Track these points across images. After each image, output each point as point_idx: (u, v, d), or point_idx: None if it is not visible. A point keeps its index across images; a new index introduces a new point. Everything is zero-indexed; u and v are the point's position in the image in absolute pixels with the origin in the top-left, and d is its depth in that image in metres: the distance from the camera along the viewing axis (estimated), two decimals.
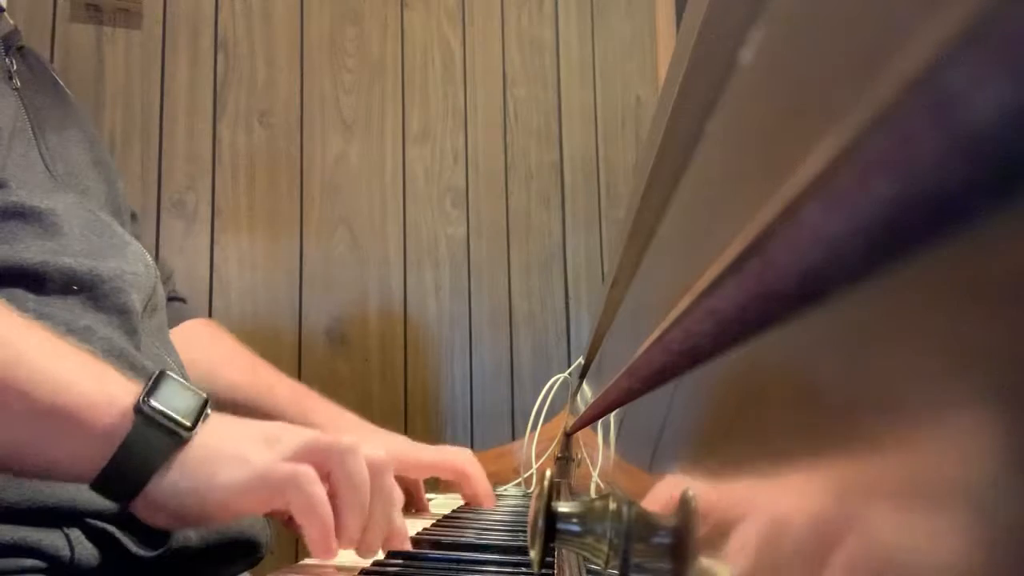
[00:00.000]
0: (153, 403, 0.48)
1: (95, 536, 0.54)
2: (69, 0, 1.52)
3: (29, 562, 0.51)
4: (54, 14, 1.51)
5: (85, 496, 0.51)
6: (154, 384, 0.49)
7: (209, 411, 0.50)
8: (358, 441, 0.52)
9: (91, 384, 0.48)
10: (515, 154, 1.73)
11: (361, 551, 0.52)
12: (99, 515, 0.54)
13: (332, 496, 0.50)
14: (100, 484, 0.47)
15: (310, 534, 0.48)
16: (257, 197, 1.58)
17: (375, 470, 0.52)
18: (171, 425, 0.48)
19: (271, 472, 0.48)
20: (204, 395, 0.51)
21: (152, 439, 0.47)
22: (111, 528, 0.54)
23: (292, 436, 0.51)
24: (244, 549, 0.64)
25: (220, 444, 0.49)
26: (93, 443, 0.46)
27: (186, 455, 0.48)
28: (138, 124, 1.54)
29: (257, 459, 0.48)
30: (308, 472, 0.48)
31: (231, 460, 0.48)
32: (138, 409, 0.47)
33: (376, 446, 0.54)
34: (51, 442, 0.46)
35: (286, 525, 0.55)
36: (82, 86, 1.49)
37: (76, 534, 0.53)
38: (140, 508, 0.48)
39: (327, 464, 0.50)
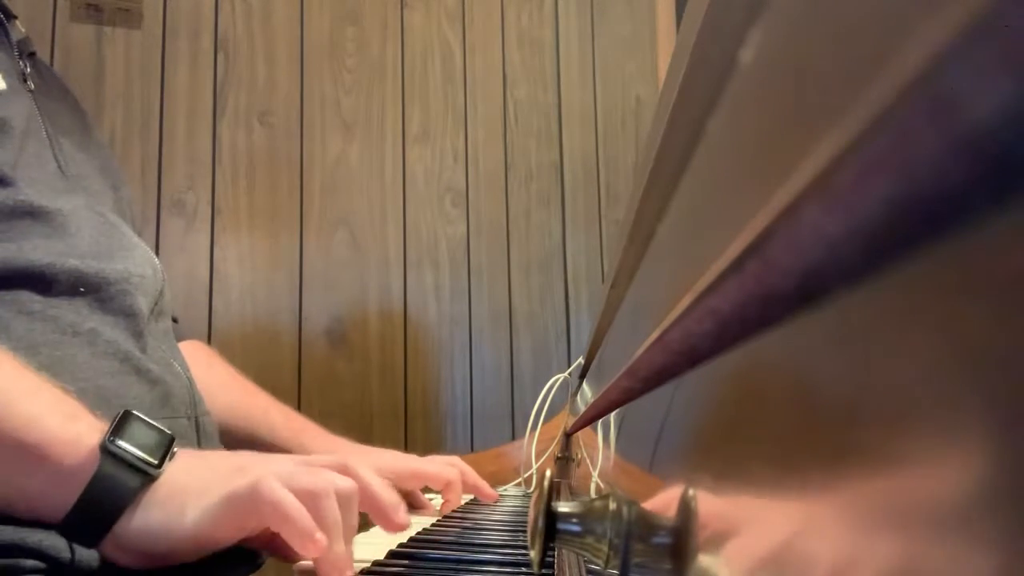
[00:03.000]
0: (120, 442, 0.47)
1: None
2: (69, 0, 1.52)
3: (30, 563, 0.51)
4: (54, 14, 1.51)
5: None
6: (120, 423, 0.48)
7: (175, 449, 0.50)
8: (328, 479, 0.50)
9: (59, 421, 0.47)
10: (515, 154, 1.73)
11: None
12: (74, 538, 0.54)
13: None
14: (69, 524, 0.46)
15: (291, 537, 0.47)
16: (257, 197, 1.58)
17: (343, 502, 0.50)
18: (138, 463, 0.47)
19: (233, 492, 0.47)
20: (170, 433, 0.50)
21: (119, 478, 0.46)
22: None
23: (262, 465, 0.50)
24: (244, 557, 0.65)
25: (187, 480, 0.48)
26: (60, 481, 0.46)
27: (154, 493, 0.47)
28: (138, 124, 1.54)
29: (219, 489, 0.47)
30: (266, 479, 0.47)
31: (198, 493, 0.48)
32: (104, 448, 0.47)
33: (365, 466, 0.55)
34: (19, 478, 0.46)
35: (273, 553, 0.54)
36: (82, 86, 1.49)
37: None
38: (110, 549, 0.47)
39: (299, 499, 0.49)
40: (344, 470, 0.53)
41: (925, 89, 0.08)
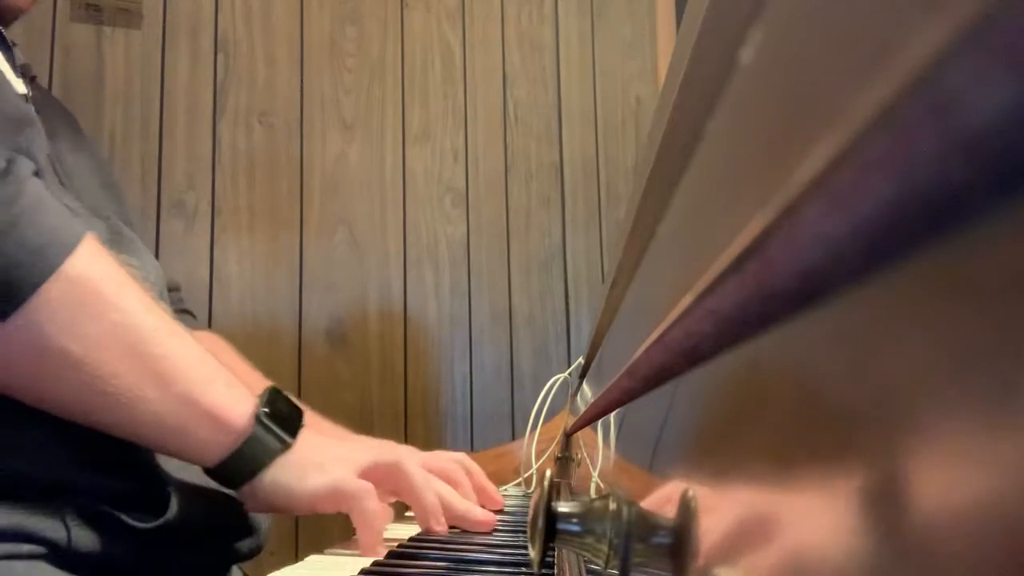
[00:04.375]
0: (270, 414, 0.60)
1: (92, 520, 0.55)
2: (69, 0, 1.52)
3: (28, 547, 0.52)
4: (54, 14, 1.51)
5: (84, 477, 0.55)
6: (269, 397, 0.61)
7: (303, 422, 0.63)
8: (405, 458, 0.67)
9: (224, 387, 0.59)
10: (515, 154, 1.73)
11: (469, 524, 0.69)
12: (95, 495, 0.55)
13: (404, 495, 0.66)
14: (219, 469, 0.59)
15: (361, 538, 0.61)
16: (257, 197, 1.58)
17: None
18: (281, 433, 0.60)
19: (344, 484, 0.61)
20: (301, 408, 0.64)
21: (267, 442, 0.59)
22: (108, 509, 0.55)
23: (362, 454, 0.65)
24: (243, 531, 0.67)
25: (310, 454, 0.62)
26: (221, 435, 0.58)
27: (286, 459, 0.60)
28: (138, 124, 1.54)
29: (335, 472, 0.61)
30: (369, 489, 0.61)
31: (317, 468, 0.61)
32: (258, 417, 0.59)
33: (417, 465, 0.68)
34: (190, 429, 0.57)
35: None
36: (82, 86, 1.49)
37: (73, 518, 0.54)
38: (246, 494, 0.60)
39: (390, 478, 0.65)
40: (397, 468, 0.66)
41: (925, 89, 0.08)
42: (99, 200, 0.76)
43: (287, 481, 0.60)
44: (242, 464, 0.59)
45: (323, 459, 0.62)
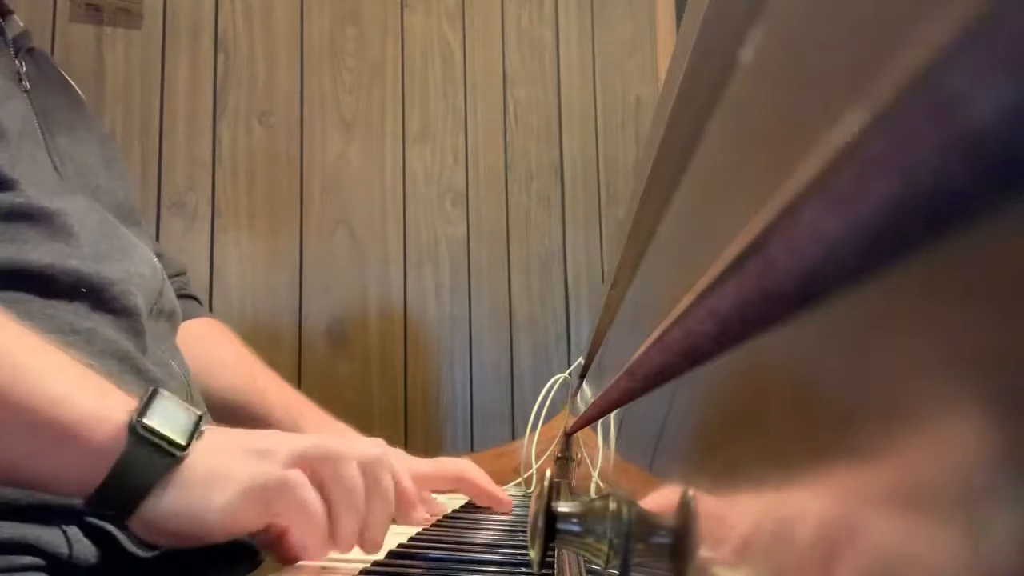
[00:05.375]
0: (146, 422, 0.46)
1: (93, 534, 0.54)
2: (69, 0, 1.52)
3: (27, 559, 0.51)
4: (54, 14, 1.51)
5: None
6: (148, 402, 0.48)
7: (203, 427, 0.49)
8: (348, 445, 0.52)
9: (89, 398, 0.47)
10: (515, 154, 1.73)
11: (366, 549, 0.52)
12: (98, 514, 0.54)
13: (327, 501, 0.50)
14: (96, 501, 0.46)
15: (301, 537, 0.49)
16: (257, 197, 1.58)
17: (369, 469, 0.51)
18: (164, 445, 0.47)
19: (259, 483, 0.48)
20: (198, 412, 0.50)
21: (146, 458, 0.46)
22: (110, 527, 0.54)
23: (284, 445, 0.50)
24: (243, 553, 0.65)
25: (213, 463, 0.48)
26: (87, 458, 0.46)
27: (180, 476, 0.47)
28: (138, 124, 1.54)
29: (247, 474, 0.48)
30: (296, 476, 0.48)
31: (222, 478, 0.48)
32: (131, 428, 0.46)
33: (371, 444, 0.55)
34: (47, 455, 0.46)
35: (273, 548, 0.54)
36: (82, 86, 1.49)
37: (74, 531, 0.53)
38: (138, 527, 0.48)
39: (320, 471, 0.50)
40: (380, 463, 0.53)
41: (926, 89, 0.08)
42: (101, 179, 0.74)
43: (188, 504, 0.47)
44: (122, 489, 0.46)
45: (231, 464, 0.48)
